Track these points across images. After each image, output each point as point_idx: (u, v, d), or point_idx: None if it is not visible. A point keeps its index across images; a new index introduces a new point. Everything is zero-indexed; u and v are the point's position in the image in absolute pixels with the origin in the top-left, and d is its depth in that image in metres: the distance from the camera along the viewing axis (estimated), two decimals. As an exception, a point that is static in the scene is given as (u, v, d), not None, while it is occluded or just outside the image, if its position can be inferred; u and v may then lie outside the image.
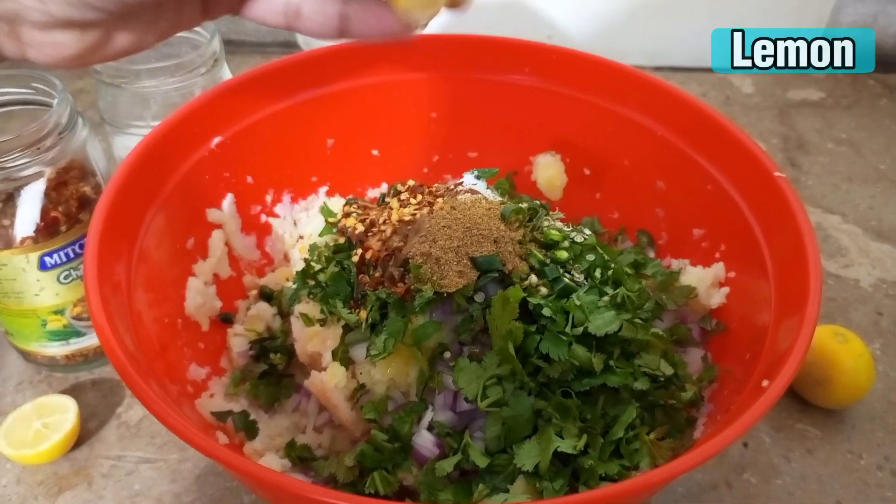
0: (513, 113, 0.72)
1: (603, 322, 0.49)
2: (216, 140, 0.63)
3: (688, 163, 0.63)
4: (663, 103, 0.65)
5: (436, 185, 0.59)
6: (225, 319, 0.64)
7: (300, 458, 0.54)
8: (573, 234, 0.54)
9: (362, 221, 0.57)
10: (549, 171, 0.73)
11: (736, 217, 0.58)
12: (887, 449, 0.64)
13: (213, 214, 0.64)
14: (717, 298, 0.59)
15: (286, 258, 0.71)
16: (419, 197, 0.56)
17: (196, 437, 0.39)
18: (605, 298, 0.51)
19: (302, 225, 0.72)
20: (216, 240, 0.64)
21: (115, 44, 0.39)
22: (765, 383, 0.42)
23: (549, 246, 0.53)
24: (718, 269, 0.60)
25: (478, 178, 0.59)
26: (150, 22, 0.40)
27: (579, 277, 0.52)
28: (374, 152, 0.75)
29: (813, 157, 0.98)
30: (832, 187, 0.93)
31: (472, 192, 0.56)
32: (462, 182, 0.58)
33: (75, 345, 0.67)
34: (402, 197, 0.57)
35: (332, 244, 0.60)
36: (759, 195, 0.56)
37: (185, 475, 0.62)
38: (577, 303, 0.49)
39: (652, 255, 0.68)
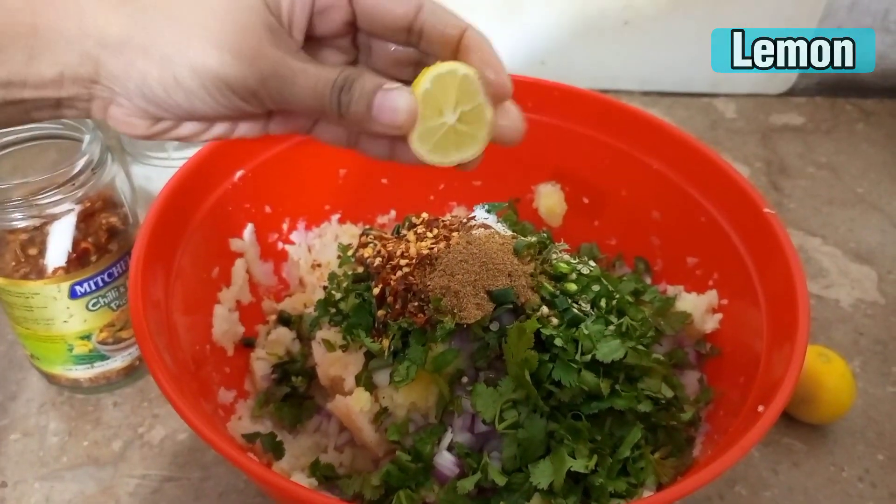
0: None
1: (609, 350, 0.53)
2: (239, 173, 0.67)
3: (682, 195, 0.67)
4: (659, 139, 0.69)
5: (448, 216, 0.63)
6: (247, 344, 0.68)
7: (325, 476, 0.58)
8: (580, 267, 0.58)
9: (379, 255, 0.60)
10: (549, 199, 0.77)
11: (728, 248, 0.63)
12: (867, 462, 0.69)
13: (235, 244, 0.68)
14: (710, 324, 0.64)
15: (302, 283, 0.74)
16: (435, 231, 0.60)
17: (249, 461, 0.42)
18: (611, 327, 0.55)
19: (316, 251, 0.75)
20: (238, 268, 0.68)
21: (181, 130, 0.42)
22: (760, 408, 0.46)
23: (559, 278, 0.57)
24: (712, 296, 0.65)
25: (488, 212, 0.63)
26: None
27: (586, 307, 0.56)
28: (384, 181, 0.78)
29: (794, 181, 1.03)
30: (813, 210, 0.98)
31: (485, 226, 0.59)
32: (475, 216, 0.62)
33: (99, 368, 0.70)
34: (419, 231, 0.61)
35: (350, 273, 0.64)
36: (750, 230, 0.60)
37: (207, 493, 0.65)
38: (586, 332, 0.53)
39: (648, 280, 0.72)
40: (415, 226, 0.62)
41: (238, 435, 0.58)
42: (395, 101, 0.39)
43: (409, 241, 0.60)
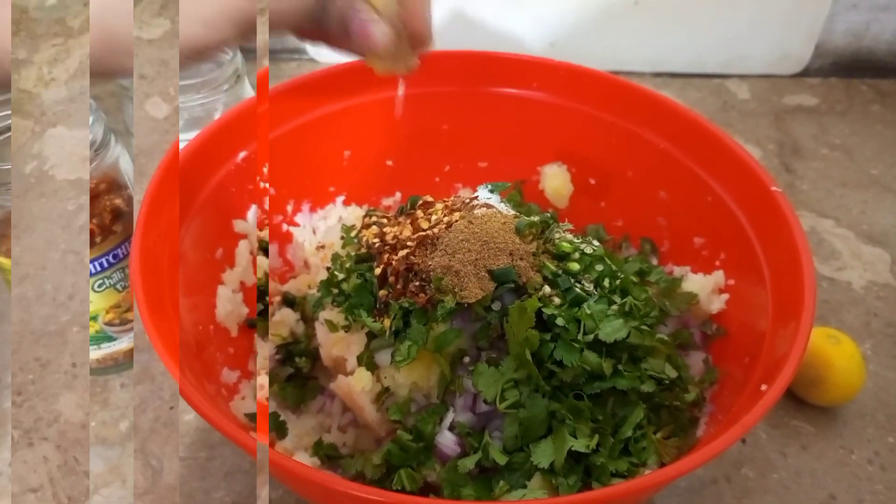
0: (521, 125, 0.76)
1: (612, 329, 0.52)
2: (242, 154, 0.66)
3: (689, 175, 0.67)
4: (666, 118, 0.68)
5: (452, 198, 0.63)
6: (251, 325, 0.68)
7: (328, 456, 0.58)
8: (583, 246, 0.58)
9: (381, 236, 0.60)
10: (555, 180, 0.76)
11: (735, 228, 0.62)
12: (877, 445, 0.68)
13: (238, 225, 0.68)
14: (717, 304, 0.63)
15: (306, 265, 0.74)
16: (437, 213, 0.59)
17: (245, 437, 0.42)
18: (614, 307, 0.54)
19: (321, 233, 0.75)
20: (242, 249, 0.68)
21: None
22: (763, 387, 0.46)
23: (561, 257, 0.56)
24: (718, 276, 0.64)
25: (491, 192, 0.62)
26: None
27: (589, 287, 0.56)
28: (389, 163, 0.78)
29: (808, 163, 1.02)
30: (826, 192, 0.97)
31: (488, 206, 0.59)
32: (477, 196, 0.61)
33: (107, 349, 0.71)
34: (420, 213, 0.60)
35: (353, 254, 0.64)
36: (757, 208, 0.60)
37: (213, 472, 0.65)
38: (588, 312, 0.53)
39: (655, 261, 0.71)
40: (416, 208, 0.62)
41: (241, 414, 0.59)
42: (370, 32, 0.44)
43: (410, 223, 0.60)
